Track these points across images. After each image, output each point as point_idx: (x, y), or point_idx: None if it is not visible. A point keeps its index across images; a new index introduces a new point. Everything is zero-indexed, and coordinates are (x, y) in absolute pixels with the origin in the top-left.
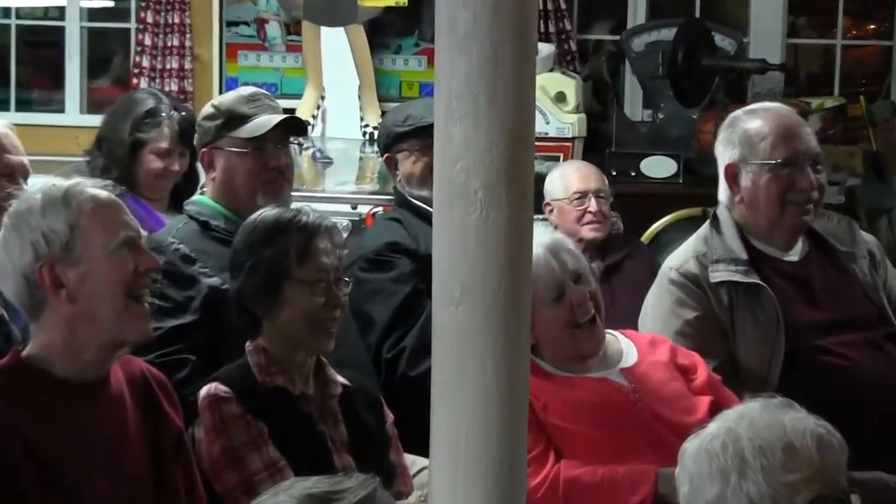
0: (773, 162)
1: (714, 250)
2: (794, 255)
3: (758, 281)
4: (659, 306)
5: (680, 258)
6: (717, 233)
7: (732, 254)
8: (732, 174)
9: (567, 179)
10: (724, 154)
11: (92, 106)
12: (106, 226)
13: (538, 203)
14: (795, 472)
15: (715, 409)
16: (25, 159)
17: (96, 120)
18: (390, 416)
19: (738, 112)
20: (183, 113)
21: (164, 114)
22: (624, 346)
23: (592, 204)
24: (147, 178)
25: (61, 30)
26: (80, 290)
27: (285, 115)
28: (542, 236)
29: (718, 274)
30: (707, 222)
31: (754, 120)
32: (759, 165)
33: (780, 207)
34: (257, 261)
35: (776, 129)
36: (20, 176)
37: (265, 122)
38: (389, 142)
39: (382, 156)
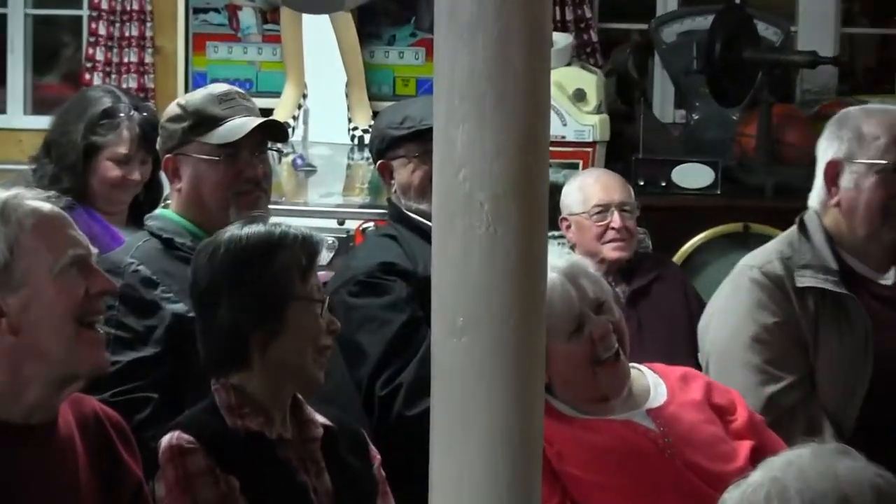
0: (884, 163)
1: (801, 255)
2: (888, 279)
3: (848, 292)
4: (734, 308)
5: (762, 257)
6: (804, 239)
7: (822, 262)
8: (833, 173)
9: (586, 191)
10: (828, 150)
11: (38, 106)
12: (51, 244)
13: (553, 218)
14: None
15: (757, 456)
16: None
17: (43, 122)
18: (377, 458)
19: (852, 108)
20: (144, 114)
21: (122, 114)
22: (651, 383)
23: (616, 219)
24: (102, 188)
25: (3, 18)
26: (23, 319)
27: (263, 119)
28: (557, 259)
29: (805, 279)
30: (793, 227)
31: (870, 118)
32: (867, 166)
33: (882, 216)
34: (252, 281)
35: (894, 131)
36: None
37: (240, 125)
38: (384, 147)
39: (375, 163)
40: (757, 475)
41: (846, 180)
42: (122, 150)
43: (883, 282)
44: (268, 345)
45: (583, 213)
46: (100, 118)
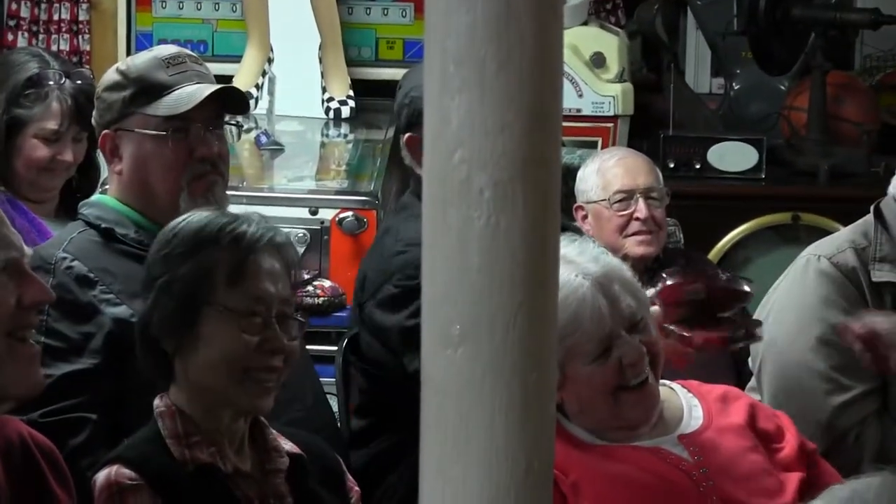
0: None
1: (879, 247)
2: None
3: None
4: (797, 304)
5: (832, 246)
6: (882, 228)
7: None
8: None
9: (607, 174)
10: None
11: None
12: None
13: (567, 208)
14: None
15: (807, 490)
16: None
17: None
18: (356, 491)
19: None
20: (78, 81)
21: (51, 82)
22: (686, 405)
23: (641, 208)
24: (28, 171)
25: None
26: None
27: (219, 86)
28: (589, 260)
29: (883, 273)
30: (869, 215)
31: None
32: None
33: None
34: (171, 278)
35: None
36: None
37: (191, 93)
38: (415, 117)
39: (403, 135)
40: None
41: None
42: (51, 125)
43: None
44: (186, 358)
45: (602, 200)
46: (24, 87)
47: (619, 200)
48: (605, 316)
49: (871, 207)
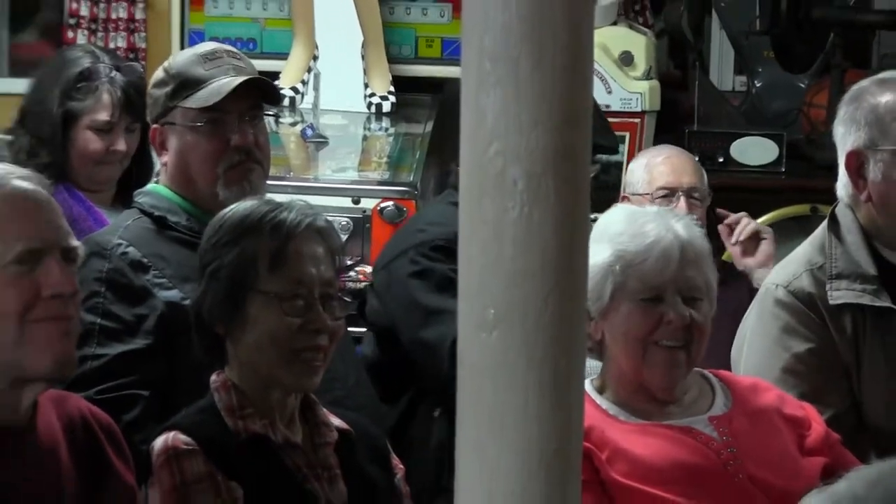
0: None
1: (834, 262)
2: None
3: (891, 305)
4: (761, 336)
5: (789, 272)
6: (837, 240)
7: (858, 267)
8: (857, 164)
9: (653, 171)
10: (846, 138)
11: (15, 67)
12: (6, 232)
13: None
14: None
15: (830, 475)
16: None
17: (21, 85)
18: (400, 469)
19: (864, 82)
20: (128, 75)
21: (102, 76)
22: (717, 389)
23: (682, 206)
24: (84, 163)
25: None
26: None
27: (247, 76)
28: (684, 228)
29: (840, 294)
30: (823, 226)
31: (886, 92)
32: (893, 153)
33: None
34: (219, 266)
35: None
36: None
37: (223, 85)
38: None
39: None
40: (842, 485)
41: (873, 171)
42: (103, 116)
43: None
44: (236, 340)
45: (646, 194)
46: (76, 81)
47: (662, 196)
48: (668, 268)
49: (829, 214)
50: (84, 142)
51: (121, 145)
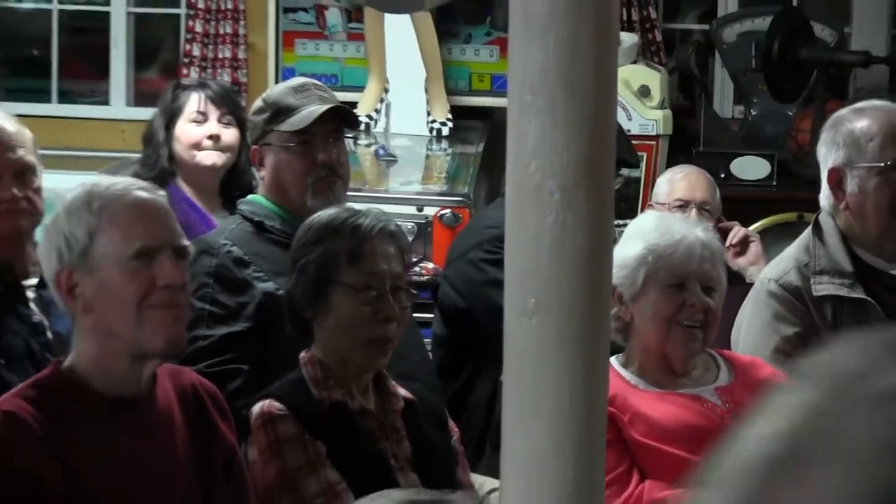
0: (883, 165)
1: (817, 260)
2: None
3: (865, 297)
4: (755, 321)
5: (779, 268)
6: (819, 241)
7: (837, 265)
8: (837, 179)
9: (673, 185)
10: (828, 157)
11: (139, 98)
12: (127, 233)
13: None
14: None
15: None
16: (32, 156)
17: (144, 113)
18: (456, 432)
19: (843, 111)
20: (215, 83)
21: (190, 85)
22: (721, 365)
23: (693, 216)
24: (188, 153)
25: (106, 15)
26: (96, 301)
27: (330, 105)
28: (703, 231)
29: (822, 287)
30: (808, 230)
31: (861, 119)
32: (867, 169)
33: (890, 214)
34: (308, 261)
35: (886, 128)
36: (31, 174)
37: (310, 113)
38: None
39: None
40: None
41: (850, 185)
42: (193, 107)
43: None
44: (321, 324)
45: (664, 203)
46: (173, 95)
47: (678, 206)
48: (691, 261)
49: (812, 220)
50: (184, 133)
51: (214, 129)
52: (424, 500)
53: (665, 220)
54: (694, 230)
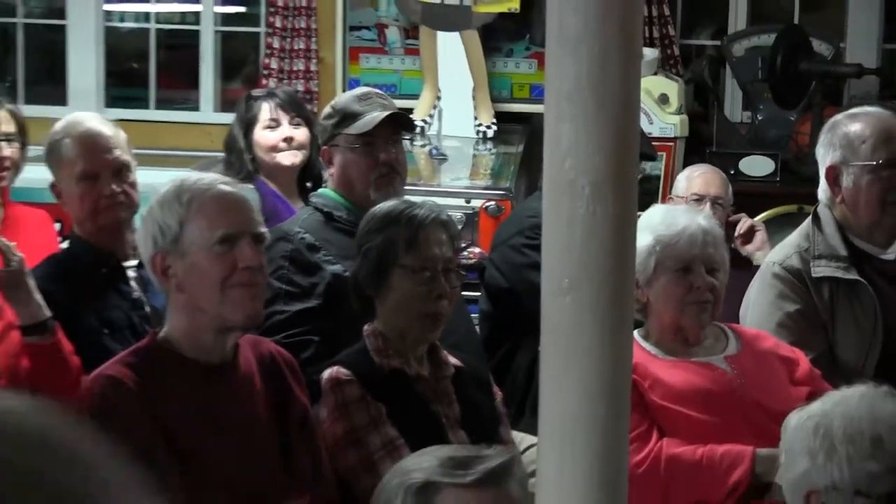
0: (874, 163)
1: (816, 246)
2: (892, 254)
3: (858, 278)
4: (761, 299)
5: (783, 253)
6: (818, 230)
7: (833, 250)
8: (833, 176)
9: (691, 181)
10: (826, 157)
11: (224, 105)
12: (212, 222)
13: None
14: (880, 463)
15: (812, 400)
16: (126, 155)
17: (228, 118)
18: (499, 395)
19: (839, 116)
20: (283, 91)
21: (260, 95)
22: (730, 336)
23: (707, 209)
24: (268, 156)
25: (196, 34)
26: (186, 281)
27: (391, 111)
28: (705, 219)
29: (820, 269)
30: (809, 219)
31: (855, 123)
32: (860, 167)
33: (881, 207)
34: (370, 246)
35: (877, 132)
36: (126, 171)
37: (373, 118)
38: None
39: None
40: (816, 405)
41: (846, 181)
42: (266, 114)
43: (885, 257)
44: (382, 301)
45: (683, 197)
46: (247, 105)
47: (694, 200)
48: (694, 247)
49: (812, 212)
50: (262, 139)
51: (288, 131)
52: (463, 455)
53: (670, 213)
54: (696, 219)
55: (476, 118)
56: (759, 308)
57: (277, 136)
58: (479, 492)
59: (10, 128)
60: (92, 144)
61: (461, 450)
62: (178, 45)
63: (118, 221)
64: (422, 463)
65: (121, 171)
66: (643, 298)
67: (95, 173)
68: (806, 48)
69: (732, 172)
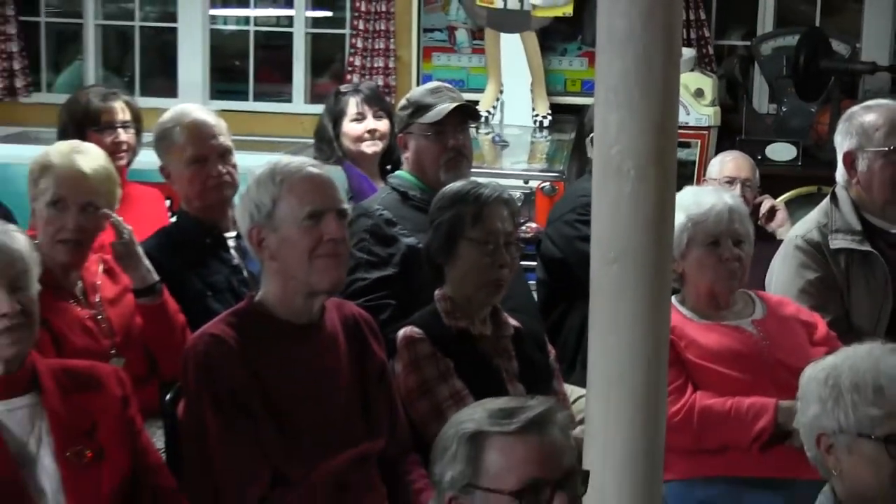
0: (887, 149)
1: (834, 222)
2: None
3: (871, 249)
4: (785, 268)
5: (804, 228)
6: (836, 208)
7: (849, 226)
8: (850, 161)
9: (724, 165)
10: (843, 143)
11: (314, 97)
12: (301, 200)
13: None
14: (881, 409)
15: None
16: (228, 140)
17: (317, 109)
18: (553, 352)
19: (855, 108)
20: (366, 87)
21: (346, 91)
22: (756, 302)
23: (737, 190)
24: (353, 145)
25: (290, 35)
26: (278, 252)
27: (459, 102)
28: (732, 197)
29: (837, 242)
30: (827, 198)
31: (869, 114)
32: (874, 152)
33: (892, 188)
34: (441, 221)
35: (889, 121)
36: (228, 155)
37: (443, 109)
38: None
39: (588, 136)
40: (829, 359)
41: (861, 165)
42: (353, 108)
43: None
44: (451, 269)
45: (717, 179)
46: (336, 100)
47: (726, 181)
48: (721, 223)
49: (830, 192)
50: (350, 130)
51: (372, 124)
52: (509, 406)
53: (699, 193)
54: (722, 198)
55: (534, 109)
56: (782, 276)
57: (362, 128)
58: (522, 438)
59: (126, 116)
60: (200, 132)
61: (510, 401)
62: (274, 45)
63: (223, 198)
64: (473, 414)
65: (225, 154)
66: (679, 269)
67: (204, 157)
68: (826, 48)
69: (759, 158)
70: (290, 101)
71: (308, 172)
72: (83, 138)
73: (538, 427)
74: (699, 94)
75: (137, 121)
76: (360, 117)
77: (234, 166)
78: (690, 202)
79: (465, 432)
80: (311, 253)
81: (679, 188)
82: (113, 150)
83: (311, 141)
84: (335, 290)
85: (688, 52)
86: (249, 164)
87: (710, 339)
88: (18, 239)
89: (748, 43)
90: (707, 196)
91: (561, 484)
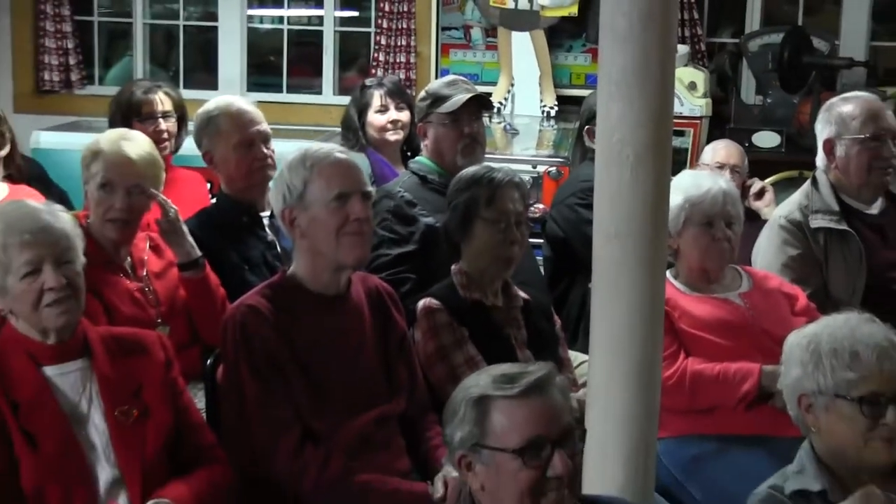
0: (863, 137)
1: (814, 203)
2: (875, 209)
3: (847, 228)
4: (770, 245)
5: (787, 209)
6: (816, 190)
7: (828, 206)
8: (829, 147)
9: (716, 151)
10: (823, 131)
11: (342, 90)
12: (329, 183)
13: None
14: (856, 372)
15: None
16: (267, 127)
17: (344, 100)
18: (558, 322)
19: (834, 99)
20: (390, 81)
21: (371, 84)
22: (743, 276)
23: (727, 175)
24: (377, 134)
25: (320, 33)
26: (308, 231)
27: (473, 93)
28: (725, 182)
29: (817, 221)
30: (808, 181)
31: (847, 105)
32: (851, 140)
33: (868, 172)
34: (458, 202)
35: (865, 111)
36: (269, 140)
37: (459, 99)
38: (591, 116)
39: (584, 126)
40: (809, 327)
41: (839, 151)
42: (377, 101)
43: (870, 212)
44: (467, 246)
45: (709, 164)
46: (361, 93)
47: (717, 167)
48: (716, 206)
49: (811, 176)
50: (374, 121)
51: (394, 115)
52: (512, 372)
53: (696, 177)
54: (718, 182)
55: (542, 101)
56: (767, 253)
57: (385, 119)
58: (524, 401)
59: (167, 106)
60: (244, 119)
61: (512, 367)
62: (306, 42)
63: (265, 179)
64: (479, 380)
65: (267, 139)
66: (674, 246)
67: (250, 141)
68: (807, 45)
69: (747, 145)
70: (320, 92)
71: (336, 158)
72: (129, 127)
73: (538, 390)
74: (692, 87)
75: (178, 110)
76: (384, 109)
77: (273, 151)
78: (689, 184)
79: (471, 397)
80: (338, 231)
81: (674, 173)
82: (155, 139)
83: (339, 129)
84: (360, 264)
85: (682, 49)
86: (283, 150)
87: (701, 309)
88: (62, 218)
89: (737, 40)
90: (704, 180)
91: (560, 441)
